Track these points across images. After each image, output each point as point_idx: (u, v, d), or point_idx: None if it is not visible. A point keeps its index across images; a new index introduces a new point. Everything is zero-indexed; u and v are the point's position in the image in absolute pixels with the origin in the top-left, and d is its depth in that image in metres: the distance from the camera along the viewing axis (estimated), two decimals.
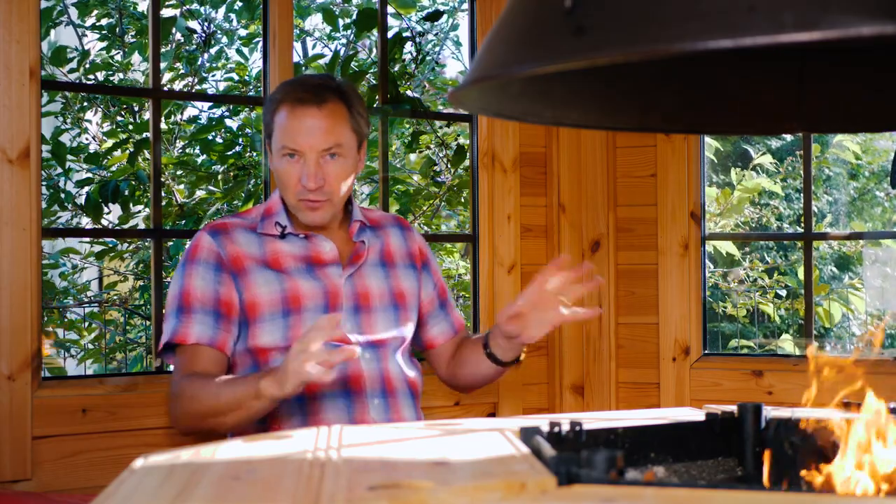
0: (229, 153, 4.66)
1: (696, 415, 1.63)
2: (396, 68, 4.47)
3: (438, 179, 4.90)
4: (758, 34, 0.90)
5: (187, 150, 5.00)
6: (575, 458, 1.10)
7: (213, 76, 5.23)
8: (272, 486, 1.08)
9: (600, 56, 1.00)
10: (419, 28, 5.11)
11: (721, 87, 1.59)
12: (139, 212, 4.86)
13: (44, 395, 2.23)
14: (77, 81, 4.68)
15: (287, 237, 2.07)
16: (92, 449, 2.27)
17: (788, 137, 7.53)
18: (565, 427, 1.36)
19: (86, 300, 5.11)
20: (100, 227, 4.43)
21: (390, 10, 4.47)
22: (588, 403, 2.92)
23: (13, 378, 2.18)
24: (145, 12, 4.77)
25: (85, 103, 5.01)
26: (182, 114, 5.09)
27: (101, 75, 4.94)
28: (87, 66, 4.79)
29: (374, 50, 5.19)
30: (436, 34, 5.57)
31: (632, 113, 1.56)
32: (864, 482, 1.21)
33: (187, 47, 4.99)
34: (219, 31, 5.15)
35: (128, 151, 4.54)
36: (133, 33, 4.99)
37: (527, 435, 1.31)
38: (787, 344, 5.66)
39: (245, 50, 5.19)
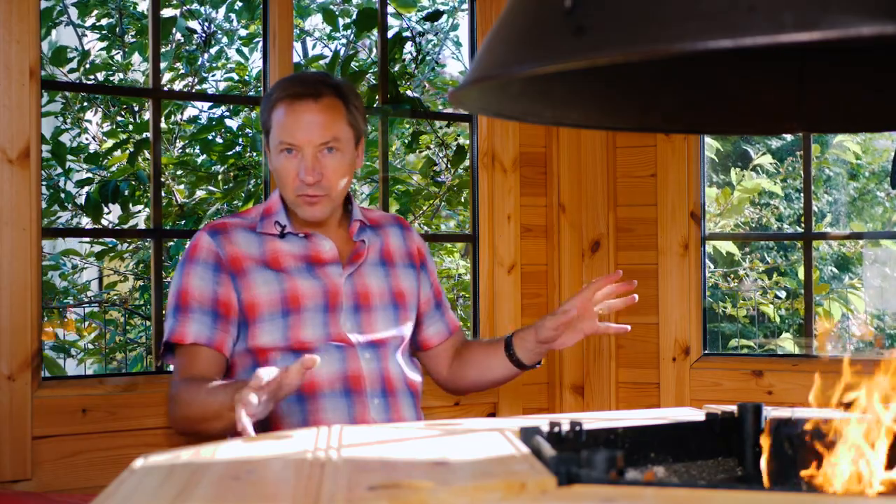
0: (229, 153, 4.65)
1: (696, 415, 1.63)
2: (396, 68, 4.47)
3: (438, 179, 4.90)
4: (758, 34, 0.90)
5: (187, 150, 4.99)
6: (575, 458, 1.10)
7: (213, 76, 5.23)
8: (272, 486, 1.08)
9: (600, 56, 1.00)
10: (419, 28, 5.11)
11: (721, 87, 1.59)
12: (139, 212, 4.86)
13: (44, 395, 2.23)
14: (77, 81, 4.68)
15: (287, 236, 2.07)
16: (92, 449, 2.27)
17: (788, 137, 7.53)
18: (565, 427, 1.36)
19: (86, 300, 5.11)
20: (100, 227, 4.43)
21: (390, 9, 4.47)
22: (588, 403, 2.92)
23: (13, 378, 2.18)
24: (145, 12, 4.77)
25: (85, 103, 5.01)
26: (182, 114, 5.09)
27: (101, 75, 4.93)
28: (87, 66, 4.79)
29: (374, 50, 5.19)
30: (436, 34, 5.57)
31: (632, 113, 1.56)
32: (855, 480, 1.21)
33: (187, 47, 4.98)
34: (219, 31, 5.15)
35: (128, 151, 4.53)
36: (133, 33, 4.99)
37: (527, 435, 1.31)
38: (787, 343, 5.66)
39: (245, 50, 5.18)
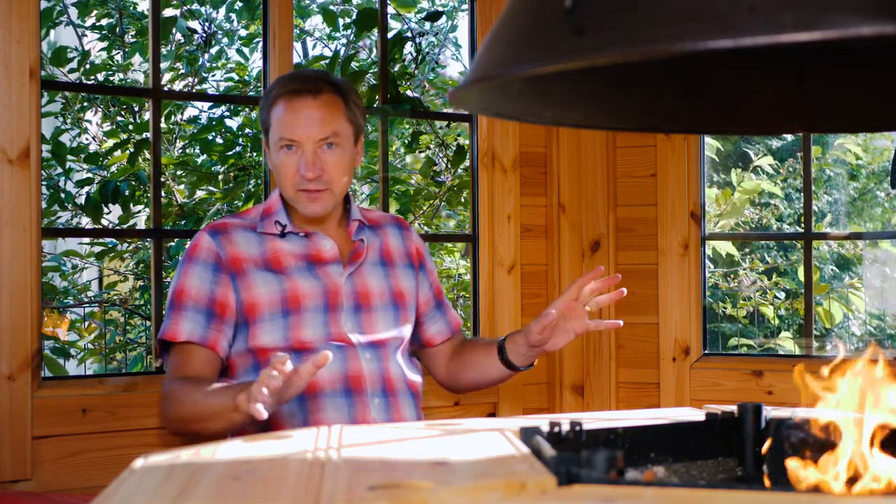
0: (229, 153, 4.65)
1: (696, 415, 1.63)
2: (396, 68, 4.47)
3: (438, 179, 4.90)
4: (758, 34, 0.90)
5: (187, 151, 4.99)
6: (575, 458, 1.10)
7: (213, 76, 5.23)
8: (272, 486, 1.08)
9: (600, 56, 1.00)
10: (419, 28, 5.11)
11: (721, 87, 1.59)
12: (139, 212, 4.85)
13: (44, 395, 2.23)
14: (77, 81, 4.68)
15: (287, 236, 2.08)
16: (92, 449, 2.27)
17: (789, 137, 7.53)
18: (565, 427, 1.36)
19: (86, 300, 5.11)
20: (100, 227, 4.43)
21: (391, 10, 4.47)
22: (588, 403, 2.92)
23: (13, 378, 2.18)
24: (145, 12, 4.77)
25: (85, 103, 5.01)
26: (182, 114, 5.09)
27: (101, 76, 4.93)
28: (88, 66, 4.79)
29: (374, 50, 5.19)
30: (435, 34, 5.57)
31: (632, 113, 1.56)
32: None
33: (188, 47, 4.98)
34: (219, 32, 5.15)
35: (128, 151, 4.53)
36: (133, 33, 4.99)
37: (527, 435, 1.31)
38: (787, 342, 5.66)
39: (245, 50, 5.18)
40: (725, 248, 5.41)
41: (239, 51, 5.21)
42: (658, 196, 2.89)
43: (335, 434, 1.41)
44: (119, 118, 4.99)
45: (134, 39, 4.96)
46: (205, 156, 4.81)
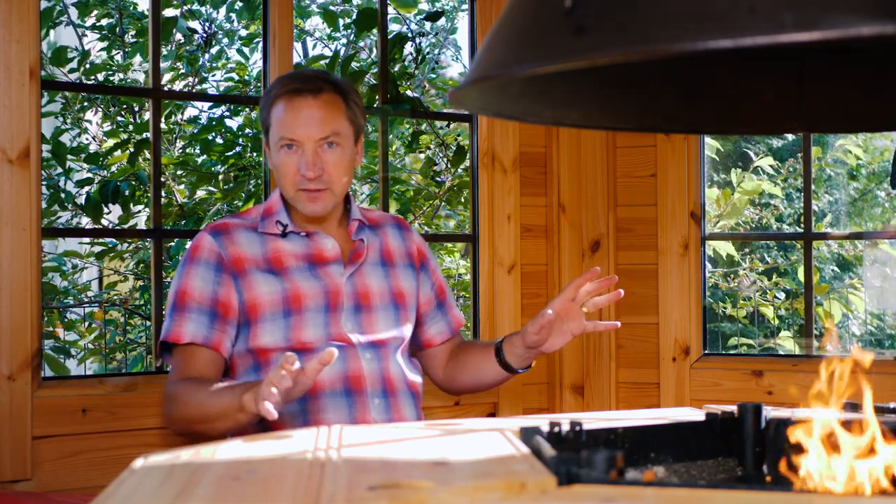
0: (230, 153, 4.66)
1: (696, 415, 1.63)
2: (396, 68, 4.47)
3: (438, 179, 4.90)
4: (758, 34, 0.90)
5: (187, 151, 4.99)
6: (575, 458, 1.10)
7: (213, 76, 5.23)
8: (272, 486, 1.08)
9: (600, 56, 1.00)
10: (419, 28, 5.11)
11: (721, 87, 1.59)
12: (139, 212, 4.85)
13: (44, 395, 2.23)
14: (77, 81, 4.68)
15: (288, 236, 2.08)
16: (92, 449, 2.27)
17: (790, 137, 7.53)
18: (565, 427, 1.36)
19: (86, 300, 5.11)
20: (100, 227, 4.43)
21: (391, 11, 4.47)
22: (588, 403, 2.92)
23: (13, 378, 2.18)
24: (145, 12, 4.76)
25: (85, 103, 5.01)
26: (182, 114, 5.09)
27: (101, 76, 4.93)
28: (88, 66, 4.79)
29: (374, 50, 5.19)
30: (435, 34, 5.57)
31: (632, 113, 1.56)
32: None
33: (188, 47, 4.99)
34: (219, 32, 5.15)
35: (128, 151, 4.53)
36: (133, 33, 4.99)
37: (527, 435, 1.31)
38: (787, 342, 5.66)
39: (245, 50, 5.18)
40: (725, 248, 5.41)
41: (239, 51, 5.21)
42: (658, 196, 2.89)
43: (335, 434, 1.41)
44: (119, 118, 5.00)
45: (134, 39, 4.96)
46: (205, 156, 4.81)
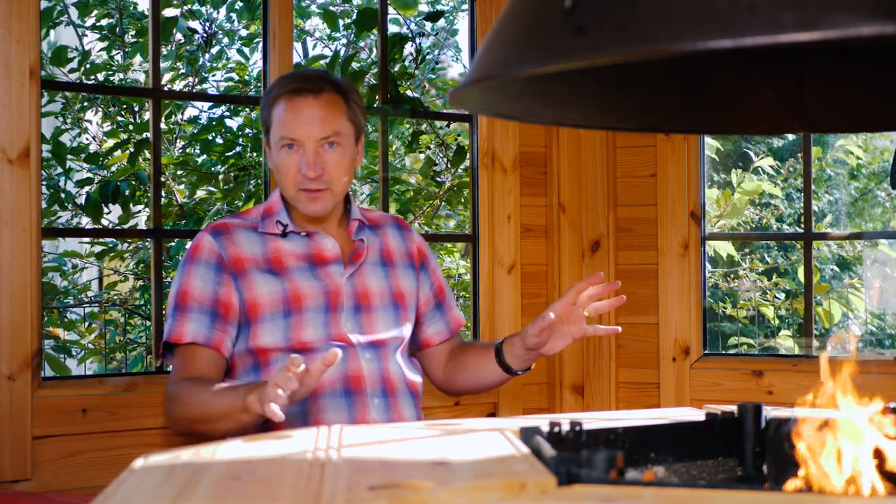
0: (230, 153, 4.66)
1: (696, 415, 1.63)
2: (396, 68, 4.47)
3: (438, 179, 4.90)
4: (758, 34, 0.90)
5: (188, 151, 4.99)
6: (575, 458, 1.10)
7: (213, 76, 5.23)
8: (272, 486, 1.08)
9: (600, 56, 1.00)
10: (419, 28, 5.11)
11: (721, 87, 1.59)
12: (139, 212, 4.85)
13: (44, 395, 2.23)
14: (77, 81, 4.68)
15: (289, 236, 2.08)
16: (92, 449, 2.27)
17: (790, 137, 7.53)
18: (565, 427, 1.36)
19: (86, 300, 5.11)
20: (100, 227, 4.43)
21: (391, 12, 4.47)
22: (588, 403, 2.92)
23: (13, 378, 2.18)
24: (146, 12, 4.76)
25: (85, 103, 5.01)
26: (182, 114, 5.09)
27: (101, 76, 4.93)
28: (88, 66, 4.79)
29: (374, 50, 5.19)
30: (435, 34, 5.57)
31: (632, 113, 1.56)
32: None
33: (188, 47, 4.99)
34: (220, 32, 5.15)
35: (128, 151, 4.53)
36: (133, 33, 4.99)
37: (527, 435, 1.31)
38: (787, 341, 5.66)
39: (246, 50, 5.18)
40: (725, 248, 5.41)
41: (239, 51, 5.21)
42: (658, 196, 2.89)
43: (335, 434, 1.41)
44: (119, 118, 4.99)
45: (134, 39, 4.96)
46: (205, 156, 4.81)
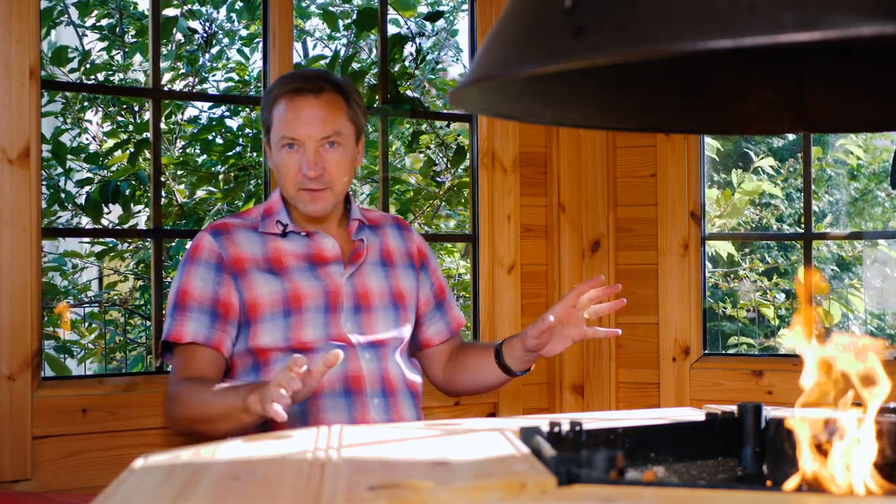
0: (230, 153, 4.66)
1: (696, 415, 1.63)
2: (396, 68, 4.47)
3: (438, 179, 4.90)
4: (758, 34, 0.90)
5: (188, 151, 4.99)
6: (575, 458, 1.10)
7: (213, 76, 5.23)
8: (272, 486, 1.08)
9: (600, 56, 1.00)
10: (419, 28, 5.11)
11: (721, 87, 1.59)
12: (139, 212, 4.85)
13: (44, 395, 2.23)
14: (77, 81, 4.68)
15: (289, 235, 2.08)
16: (92, 449, 2.27)
17: (790, 137, 7.53)
18: (565, 427, 1.36)
19: (86, 300, 5.11)
20: (100, 227, 4.43)
21: (391, 13, 4.47)
22: (588, 403, 2.92)
23: (13, 378, 2.18)
24: (146, 12, 4.76)
25: (85, 103, 5.01)
26: (182, 114, 5.09)
27: (101, 75, 4.94)
28: (88, 66, 4.79)
29: (374, 50, 5.19)
30: (436, 34, 5.57)
31: (632, 113, 1.56)
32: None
33: (188, 47, 4.99)
34: (220, 32, 5.15)
35: (128, 151, 4.53)
36: (133, 33, 4.99)
37: (527, 435, 1.31)
38: (786, 340, 5.65)
39: (246, 50, 5.19)
40: (726, 248, 5.41)
41: (239, 51, 5.21)
42: (658, 196, 2.89)
43: (335, 434, 1.41)
44: (119, 118, 5.00)
45: (134, 39, 4.96)
46: (205, 156, 4.81)
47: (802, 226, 2.94)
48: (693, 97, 1.58)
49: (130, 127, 4.84)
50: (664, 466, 1.46)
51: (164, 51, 4.66)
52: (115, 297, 5.26)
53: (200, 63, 4.99)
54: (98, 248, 4.82)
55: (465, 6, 5.08)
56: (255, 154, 4.55)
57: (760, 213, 6.51)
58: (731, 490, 1.09)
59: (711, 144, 5.31)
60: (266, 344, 1.99)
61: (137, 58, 4.97)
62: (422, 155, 5.17)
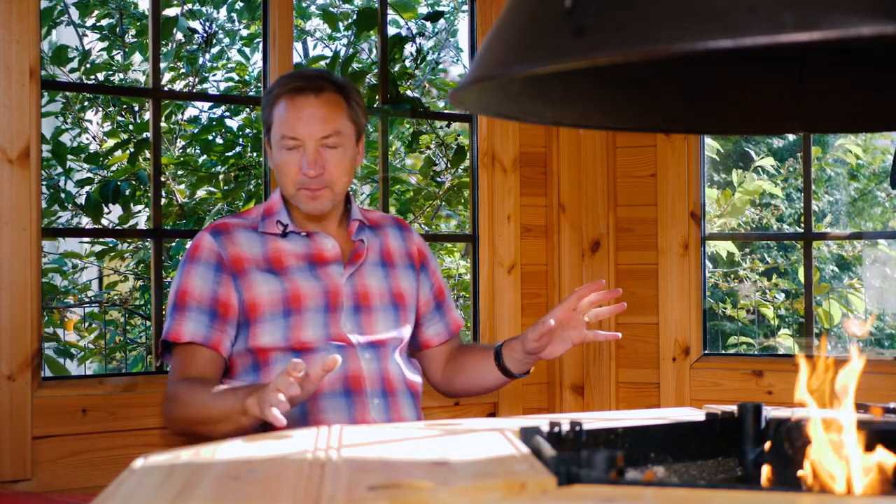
0: (230, 153, 4.66)
1: (696, 415, 1.63)
2: (396, 68, 4.47)
3: (438, 179, 4.90)
4: (758, 34, 0.90)
5: (188, 151, 4.99)
6: (575, 458, 1.10)
7: (213, 76, 5.23)
8: (272, 486, 1.08)
9: (600, 56, 1.00)
10: (419, 28, 5.10)
11: (721, 87, 1.59)
12: (139, 212, 4.85)
13: (44, 395, 2.23)
14: (77, 81, 4.68)
15: (289, 236, 2.08)
16: (92, 449, 2.27)
17: (790, 137, 7.53)
18: (565, 427, 1.36)
19: (86, 300, 5.11)
20: (100, 227, 4.43)
21: (391, 14, 4.47)
22: (588, 403, 2.92)
23: (13, 378, 2.18)
24: (146, 12, 4.76)
25: (85, 103, 5.01)
26: (182, 114, 5.09)
27: (101, 75, 4.93)
28: (88, 66, 4.79)
29: (375, 50, 5.19)
30: (436, 34, 5.57)
31: (632, 113, 1.56)
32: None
33: (188, 47, 4.99)
34: (220, 32, 5.15)
35: (128, 151, 4.53)
36: (133, 33, 4.99)
37: (527, 435, 1.31)
38: (787, 340, 5.66)
39: (246, 50, 5.19)
40: (726, 248, 5.41)
41: (240, 51, 5.21)
42: (658, 196, 2.89)
43: (335, 434, 1.41)
44: (119, 118, 4.99)
45: (134, 39, 4.96)
46: (205, 156, 4.81)
47: (802, 226, 2.94)
48: (693, 97, 1.58)
49: (130, 127, 4.84)
50: (664, 466, 1.46)
51: (164, 51, 4.66)
52: (115, 298, 5.26)
53: (200, 63, 4.99)
54: (98, 248, 4.82)
55: (465, 6, 5.08)
56: (255, 154, 4.55)
57: (760, 213, 6.50)
58: (731, 490, 1.09)
59: (711, 144, 5.31)
60: (266, 344, 1.99)
61: (137, 58, 4.96)
62: (422, 155, 5.17)
